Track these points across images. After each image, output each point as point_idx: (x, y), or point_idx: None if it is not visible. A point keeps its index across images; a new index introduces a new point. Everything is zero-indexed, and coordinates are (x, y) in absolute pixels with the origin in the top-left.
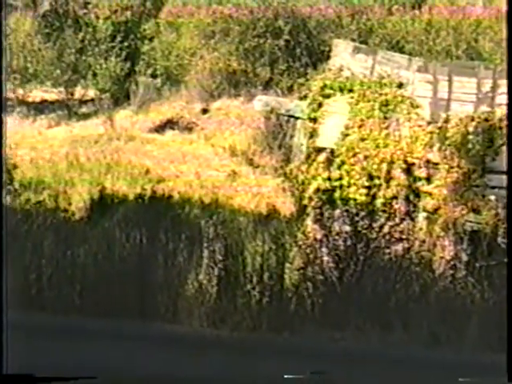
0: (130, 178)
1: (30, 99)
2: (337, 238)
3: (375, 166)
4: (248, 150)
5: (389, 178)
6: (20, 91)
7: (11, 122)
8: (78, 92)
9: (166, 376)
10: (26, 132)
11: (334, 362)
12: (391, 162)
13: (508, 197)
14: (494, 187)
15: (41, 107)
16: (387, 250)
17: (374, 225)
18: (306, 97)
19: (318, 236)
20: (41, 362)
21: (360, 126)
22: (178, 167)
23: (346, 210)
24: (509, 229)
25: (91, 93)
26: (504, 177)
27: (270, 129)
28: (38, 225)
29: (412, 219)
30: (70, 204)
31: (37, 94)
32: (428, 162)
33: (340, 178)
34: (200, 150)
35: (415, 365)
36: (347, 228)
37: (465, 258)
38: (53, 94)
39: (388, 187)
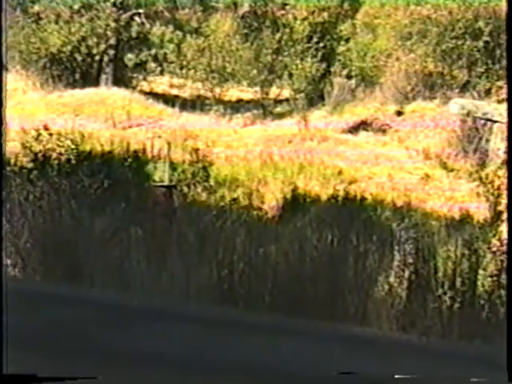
0: (323, 179)
1: (226, 98)
2: None
3: None
4: (442, 153)
5: None
6: (217, 90)
7: (208, 120)
8: (273, 92)
9: (353, 377)
10: (222, 130)
11: None
12: None
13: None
14: None
15: (237, 106)
16: None
17: None
18: (504, 100)
19: None
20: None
21: None
22: (370, 169)
23: None
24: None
25: (286, 93)
26: None
27: (465, 132)
28: (231, 221)
29: None
30: (262, 202)
31: (233, 93)
32: None
33: None
34: (393, 152)
35: None
36: None
37: None
38: (249, 94)
39: None
